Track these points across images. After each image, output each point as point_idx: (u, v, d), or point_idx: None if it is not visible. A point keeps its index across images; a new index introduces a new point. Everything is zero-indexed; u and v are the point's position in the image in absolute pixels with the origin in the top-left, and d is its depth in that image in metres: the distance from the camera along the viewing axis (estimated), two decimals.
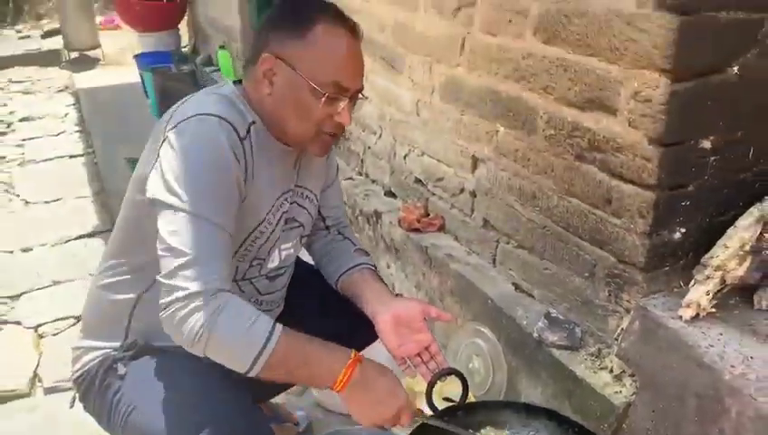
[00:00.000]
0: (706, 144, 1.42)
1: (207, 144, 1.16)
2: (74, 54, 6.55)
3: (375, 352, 1.42)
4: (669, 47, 1.30)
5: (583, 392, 1.53)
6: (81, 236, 3.01)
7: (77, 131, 4.58)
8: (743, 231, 1.40)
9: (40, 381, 2.10)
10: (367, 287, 1.44)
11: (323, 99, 1.21)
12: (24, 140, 4.40)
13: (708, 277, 1.38)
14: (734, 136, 1.44)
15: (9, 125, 4.72)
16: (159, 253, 1.14)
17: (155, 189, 1.15)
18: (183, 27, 5.81)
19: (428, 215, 2.29)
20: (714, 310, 1.39)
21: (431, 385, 1.39)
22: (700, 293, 1.38)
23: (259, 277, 1.39)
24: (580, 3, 1.49)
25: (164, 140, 1.18)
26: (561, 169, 1.65)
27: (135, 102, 4.97)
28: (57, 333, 2.34)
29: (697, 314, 1.38)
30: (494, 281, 1.93)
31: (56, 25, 7.68)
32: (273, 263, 1.40)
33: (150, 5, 5.22)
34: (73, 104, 5.24)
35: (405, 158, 2.43)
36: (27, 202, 3.41)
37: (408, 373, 1.41)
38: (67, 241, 2.97)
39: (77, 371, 1.39)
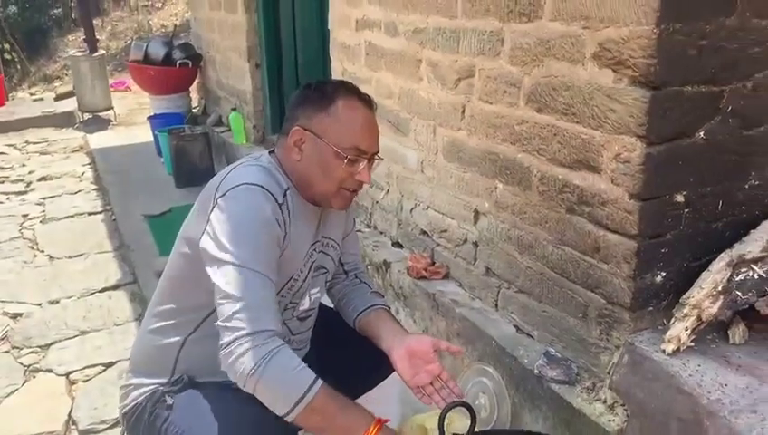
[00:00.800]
0: (680, 198, 1.63)
1: (255, 210, 1.36)
2: (87, 116, 6.85)
3: (391, 381, 1.58)
4: (643, 116, 1.52)
5: (580, 422, 1.69)
6: (105, 289, 3.18)
7: (94, 189, 4.80)
8: (715, 274, 1.59)
9: (74, 423, 2.24)
10: (382, 325, 1.62)
11: (345, 161, 1.43)
12: (43, 198, 4.62)
13: (686, 315, 1.57)
14: (703, 191, 1.65)
15: (29, 184, 4.94)
16: (218, 302, 1.31)
17: (209, 248, 1.34)
18: (193, 90, 6.11)
19: (434, 264, 2.49)
20: (693, 344, 1.57)
21: (443, 416, 1.55)
22: (680, 329, 1.56)
23: (292, 319, 1.57)
24: (566, 78, 1.73)
25: (214, 206, 1.37)
26: (555, 220, 1.86)
27: (148, 161, 5.22)
28: (87, 380, 2.49)
29: (678, 349, 1.56)
30: (496, 323, 2.11)
31: (69, 88, 8.05)
32: (305, 306, 1.59)
33: (164, 71, 5.52)
34: (89, 164, 5.48)
35: (411, 211, 2.63)
36: (52, 257, 3.59)
37: (424, 401, 1.57)
38: (91, 293, 3.14)
39: (126, 405, 1.56)
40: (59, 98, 7.84)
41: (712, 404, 1.41)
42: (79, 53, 7.07)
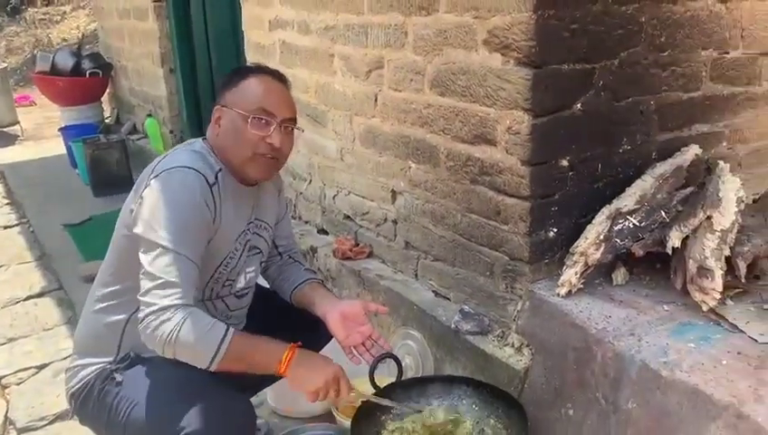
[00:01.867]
0: (564, 163, 1.87)
1: (185, 193, 1.48)
2: None
3: (327, 351, 1.75)
4: (528, 92, 1.76)
5: (493, 366, 1.91)
6: (29, 297, 3.16)
7: (7, 204, 4.68)
8: (597, 226, 1.85)
9: (11, 424, 2.27)
10: (317, 295, 1.78)
11: (250, 120, 1.55)
12: None
13: (575, 262, 1.82)
14: (584, 155, 1.91)
15: None
16: (140, 276, 1.44)
17: (138, 226, 1.46)
18: (105, 100, 6.02)
19: (358, 245, 2.66)
20: (582, 286, 1.82)
21: (373, 365, 1.73)
22: (570, 274, 1.81)
23: (230, 295, 1.70)
24: (462, 63, 1.95)
25: (146, 186, 1.50)
26: (461, 192, 2.07)
27: (62, 173, 5.13)
28: (21, 383, 2.50)
29: (570, 291, 1.81)
30: (417, 291, 2.31)
31: None
32: (241, 284, 1.72)
33: (73, 81, 5.43)
34: None
35: (334, 198, 2.80)
36: None
37: (354, 362, 1.74)
38: (16, 302, 3.12)
39: (74, 386, 1.64)
40: None
41: (599, 333, 1.65)
42: None
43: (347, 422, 2.04)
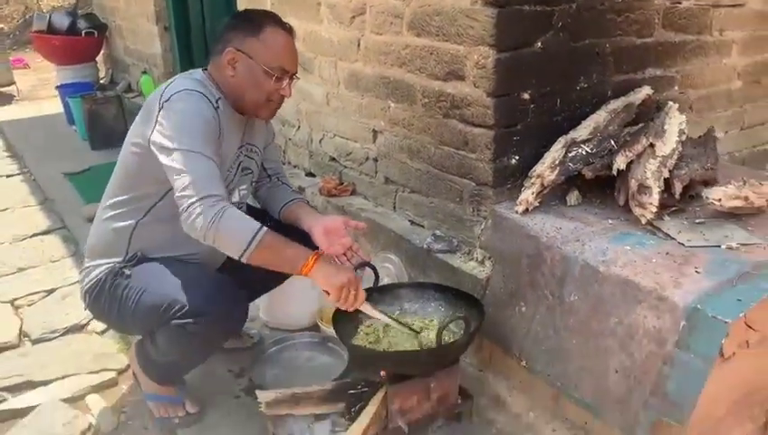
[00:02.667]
0: (526, 96, 2.09)
1: (198, 109, 1.67)
2: None
3: None
4: (493, 29, 1.97)
5: (459, 277, 2.15)
6: (36, 235, 3.37)
7: (8, 156, 4.86)
8: (553, 153, 2.08)
9: (26, 335, 2.49)
10: (303, 212, 2.00)
11: (273, 78, 1.76)
12: None
13: (532, 183, 2.05)
14: (544, 90, 2.13)
15: None
16: (173, 180, 1.61)
17: (160, 140, 1.64)
18: (99, 61, 6.16)
19: (342, 183, 2.88)
20: (538, 205, 2.05)
21: (354, 270, 1.96)
22: (527, 194, 2.04)
23: None
24: (437, 5, 2.15)
25: (160, 109, 1.68)
26: (435, 126, 2.29)
27: (59, 129, 5.30)
28: (32, 304, 2.72)
29: (527, 209, 2.04)
30: (395, 220, 2.54)
31: None
32: (235, 199, 1.94)
33: (69, 40, 5.57)
34: None
35: (320, 142, 3.01)
36: None
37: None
38: (23, 239, 3.33)
39: (87, 283, 1.87)
40: None
41: (549, 241, 1.89)
42: None
43: (330, 330, 2.29)
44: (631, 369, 1.62)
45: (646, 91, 2.33)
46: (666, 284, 1.61)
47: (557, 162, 2.06)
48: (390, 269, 2.44)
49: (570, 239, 1.87)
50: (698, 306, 1.52)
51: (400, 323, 1.85)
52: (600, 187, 2.16)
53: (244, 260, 1.61)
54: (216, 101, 1.77)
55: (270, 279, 2.01)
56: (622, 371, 1.64)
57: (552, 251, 1.86)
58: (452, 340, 1.71)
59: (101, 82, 5.99)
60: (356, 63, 2.62)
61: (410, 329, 1.84)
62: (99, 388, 2.18)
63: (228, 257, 1.91)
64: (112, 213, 1.85)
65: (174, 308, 1.66)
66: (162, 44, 4.82)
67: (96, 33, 5.71)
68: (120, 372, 2.25)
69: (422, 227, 2.46)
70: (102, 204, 1.90)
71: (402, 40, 2.34)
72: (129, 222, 1.83)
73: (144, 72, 5.03)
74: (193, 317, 1.65)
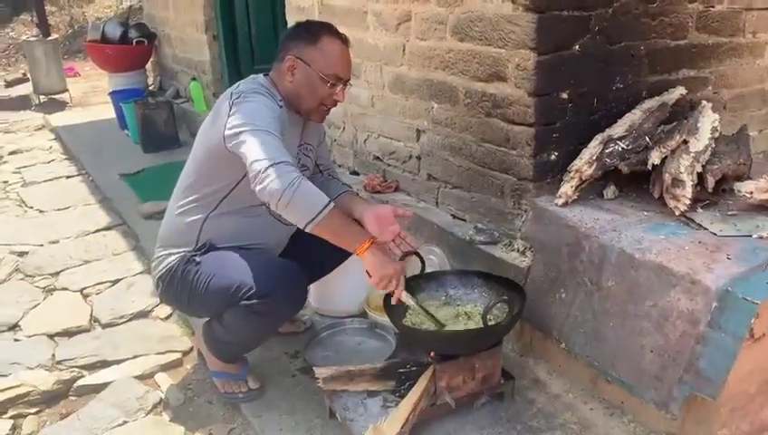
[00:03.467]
0: (564, 95, 2.22)
1: (267, 103, 1.85)
2: (44, 98, 7.10)
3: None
4: (533, 33, 2.10)
5: (501, 267, 2.28)
6: (98, 230, 3.60)
7: (65, 159, 5.14)
8: (591, 149, 2.20)
9: (96, 320, 2.70)
10: (354, 202, 2.16)
11: (329, 85, 1.94)
12: (18, 168, 4.93)
13: (571, 177, 2.17)
14: (582, 90, 2.25)
15: (0, 157, 5.24)
16: (246, 152, 1.71)
17: (234, 128, 1.78)
18: (148, 69, 6.45)
19: (386, 181, 3.04)
20: (577, 199, 2.18)
21: (402, 258, 2.11)
22: (567, 187, 2.17)
23: None
24: (479, 12, 2.29)
25: (231, 106, 1.84)
26: (477, 125, 2.43)
27: (113, 134, 5.57)
28: (100, 293, 2.93)
29: (566, 202, 2.16)
30: (437, 214, 2.69)
31: (17, 75, 8.22)
32: None
33: (121, 49, 5.86)
34: (54, 139, 5.78)
35: (365, 142, 3.18)
36: (41, 211, 3.97)
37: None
38: (87, 234, 3.56)
39: (160, 271, 2.05)
40: (9, 85, 8.00)
41: (588, 230, 2.01)
42: (32, 38, 7.28)
43: (378, 317, 2.44)
44: (665, 348, 1.74)
45: (679, 91, 2.43)
46: (698, 269, 1.72)
47: (594, 158, 2.18)
48: (434, 260, 2.58)
49: (607, 229, 1.99)
50: (729, 289, 1.63)
51: (428, 313, 1.97)
52: (636, 181, 2.28)
53: (308, 229, 1.72)
54: (279, 102, 1.93)
55: (325, 263, 2.18)
56: (657, 350, 1.76)
57: (590, 240, 1.98)
58: (496, 321, 1.84)
59: (151, 88, 6.27)
60: (401, 67, 2.78)
61: (436, 321, 1.97)
62: (166, 367, 2.37)
63: (288, 244, 2.09)
64: (184, 208, 2.02)
65: (242, 290, 1.83)
66: (211, 52, 5.04)
67: (146, 41, 5.99)
68: (185, 353, 2.44)
69: (464, 220, 2.60)
70: (174, 199, 2.08)
71: (446, 45, 2.49)
72: (200, 216, 2.00)
73: (193, 79, 5.26)
74: (259, 298, 1.82)
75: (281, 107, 1.92)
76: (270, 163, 1.68)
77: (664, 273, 1.77)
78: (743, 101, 2.77)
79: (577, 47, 2.20)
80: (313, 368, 2.02)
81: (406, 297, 1.90)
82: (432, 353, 1.93)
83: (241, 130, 1.77)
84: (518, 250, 2.29)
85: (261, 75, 2.04)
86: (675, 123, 2.32)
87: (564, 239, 2.07)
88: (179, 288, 2.01)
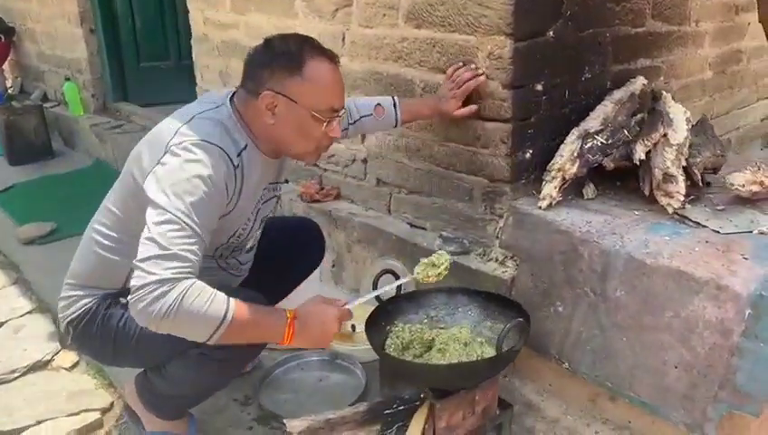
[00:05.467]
0: (539, 87, 2.02)
1: (206, 170, 1.39)
2: None
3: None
4: (510, 17, 1.87)
5: (479, 280, 2.03)
6: None
7: None
8: (570, 145, 2.01)
9: None
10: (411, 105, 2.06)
11: (325, 123, 1.53)
12: None
13: (554, 177, 1.97)
14: (555, 81, 2.06)
15: None
16: (143, 240, 1.32)
17: (151, 191, 1.37)
18: (6, 69, 5.61)
19: (323, 188, 2.70)
20: (560, 200, 1.98)
21: (375, 281, 1.81)
22: (550, 188, 1.96)
23: (241, 253, 1.73)
24: None
25: (167, 152, 1.41)
26: (438, 123, 2.17)
27: None
28: None
29: (550, 204, 1.96)
30: (392, 224, 2.40)
31: None
32: (250, 244, 1.75)
33: None
34: None
35: None
36: None
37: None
38: None
39: (72, 313, 1.61)
40: None
41: (583, 235, 1.81)
42: None
43: (338, 346, 2.12)
44: (693, 363, 1.57)
45: (641, 81, 2.31)
46: (720, 272, 1.57)
47: (575, 154, 1.99)
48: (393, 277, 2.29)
49: (605, 232, 1.80)
50: (763, 293, 1.48)
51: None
52: (609, 178, 2.13)
53: (209, 344, 1.37)
54: (239, 154, 1.49)
55: (287, 281, 1.93)
56: (683, 366, 1.59)
57: (589, 246, 1.79)
58: (511, 347, 1.59)
59: (10, 91, 5.46)
60: (341, 59, 2.45)
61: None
62: (82, 432, 1.90)
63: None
64: (106, 243, 1.59)
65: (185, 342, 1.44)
66: (88, 48, 4.42)
67: (2, 37, 5.19)
68: (105, 411, 1.98)
69: (424, 229, 2.33)
70: (96, 229, 1.62)
71: (398, 32, 2.21)
72: (130, 259, 1.57)
73: (67, 79, 4.59)
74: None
75: (236, 166, 1.47)
76: (156, 279, 1.28)
77: (683, 279, 1.60)
78: (688, 90, 2.73)
79: (551, 33, 2.00)
80: (284, 421, 1.65)
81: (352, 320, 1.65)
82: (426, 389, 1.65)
83: (158, 203, 1.35)
84: (496, 260, 2.06)
85: (226, 103, 1.54)
86: (642, 115, 2.19)
87: (556, 246, 1.87)
88: (100, 335, 1.59)
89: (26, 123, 4.35)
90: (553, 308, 1.85)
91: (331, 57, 1.56)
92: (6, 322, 2.47)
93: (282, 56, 1.49)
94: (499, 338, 1.53)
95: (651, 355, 1.64)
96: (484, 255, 2.11)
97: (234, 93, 1.58)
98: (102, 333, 1.58)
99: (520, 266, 1.97)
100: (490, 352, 1.64)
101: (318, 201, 2.64)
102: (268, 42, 1.55)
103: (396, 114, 2.00)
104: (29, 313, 2.53)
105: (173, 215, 1.34)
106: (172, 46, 4.41)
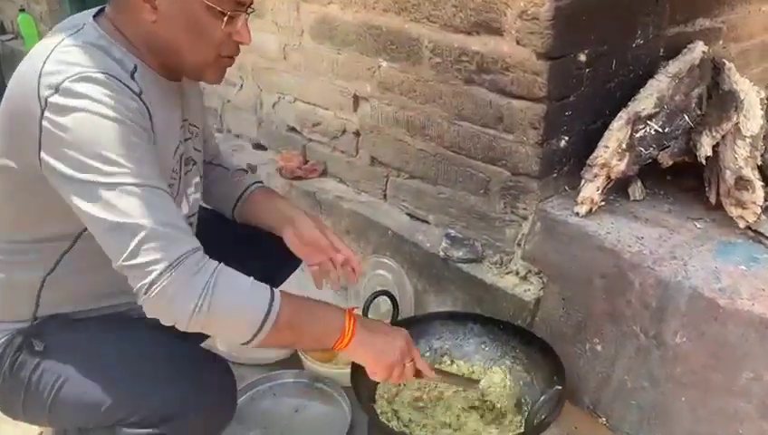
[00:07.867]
0: (582, 57, 1.58)
1: (111, 106, 1.00)
2: None
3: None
4: None
5: (494, 297, 1.65)
6: None
7: None
8: (617, 132, 1.58)
9: None
10: (261, 211, 1.43)
11: (225, 18, 1.10)
12: None
13: (596, 175, 1.56)
14: (602, 49, 1.62)
15: None
16: (102, 239, 1.01)
17: (64, 169, 0.99)
18: None
19: (307, 162, 2.28)
20: (603, 203, 1.57)
21: (366, 306, 1.43)
22: (591, 190, 1.55)
23: None
24: None
25: (45, 108, 0.99)
26: (450, 95, 1.73)
27: None
28: None
29: (591, 209, 1.56)
30: (388, 213, 1.99)
31: None
32: (185, 211, 1.31)
33: None
34: None
35: (274, 106, 2.37)
36: None
37: (317, 282, 1.43)
38: None
39: None
40: None
41: (634, 257, 1.42)
42: None
43: (318, 367, 1.75)
44: None
45: (700, 47, 1.85)
46: None
47: (624, 146, 1.57)
48: (387, 279, 1.91)
49: (662, 255, 1.41)
50: None
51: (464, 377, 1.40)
52: (657, 172, 1.72)
53: (252, 346, 1.06)
54: (132, 77, 1.07)
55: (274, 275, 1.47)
56: None
57: (641, 272, 1.39)
58: (541, 420, 1.21)
59: None
60: (330, 6, 1.99)
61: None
62: None
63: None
64: (3, 257, 1.18)
65: (120, 413, 1.06)
66: None
67: None
68: None
69: (426, 223, 1.93)
70: None
71: None
72: (33, 275, 1.17)
73: (21, 10, 4.06)
74: (156, 425, 1.06)
75: (138, 93, 1.06)
76: (162, 266, 0.97)
77: None
78: (746, 57, 2.28)
79: None
80: None
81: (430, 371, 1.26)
82: None
83: (87, 180, 0.98)
84: (517, 273, 1.67)
85: (89, 19, 1.11)
86: (700, 91, 1.77)
87: (597, 267, 1.47)
88: (6, 386, 1.19)
89: None
90: (590, 346, 1.48)
91: None
92: None
93: None
94: (532, 414, 1.15)
95: (719, 425, 1.28)
96: (501, 264, 1.72)
97: (99, 11, 1.14)
98: (11, 383, 1.18)
99: (547, 286, 1.58)
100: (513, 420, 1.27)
101: (300, 178, 2.22)
102: None
103: (234, 210, 1.47)
104: None
105: (119, 184, 0.98)
106: None
